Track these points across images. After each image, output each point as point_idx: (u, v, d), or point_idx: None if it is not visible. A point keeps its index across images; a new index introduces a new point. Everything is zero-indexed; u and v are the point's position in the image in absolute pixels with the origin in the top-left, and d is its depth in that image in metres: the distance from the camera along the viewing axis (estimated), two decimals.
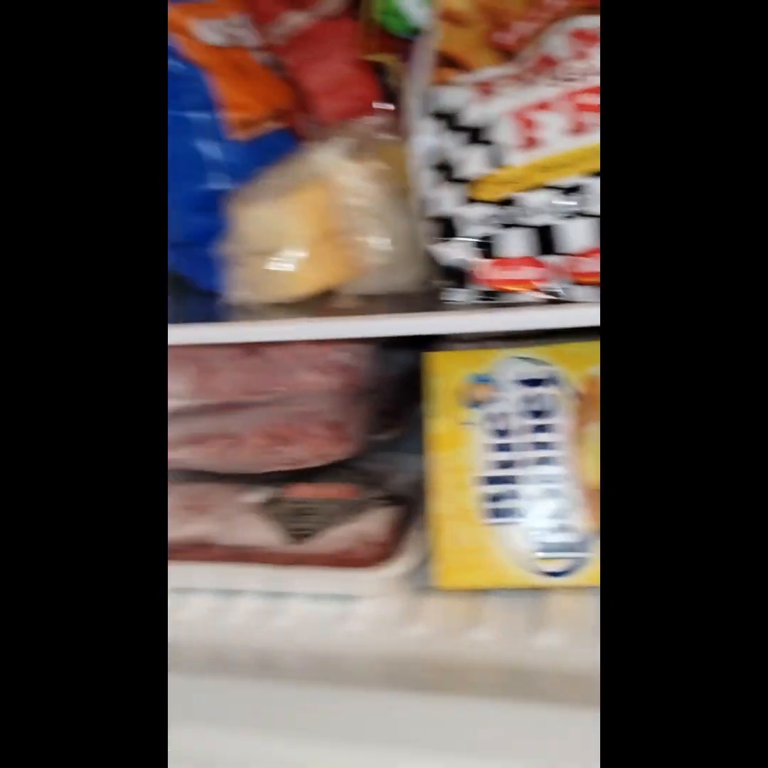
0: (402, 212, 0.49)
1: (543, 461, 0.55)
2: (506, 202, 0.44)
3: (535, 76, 0.45)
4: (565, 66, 0.44)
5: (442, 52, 0.49)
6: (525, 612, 0.53)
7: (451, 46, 0.49)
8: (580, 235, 0.43)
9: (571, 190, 0.43)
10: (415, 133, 0.47)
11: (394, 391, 0.67)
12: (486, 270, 0.45)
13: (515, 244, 0.44)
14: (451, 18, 0.49)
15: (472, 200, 0.45)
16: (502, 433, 0.55)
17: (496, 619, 0.52)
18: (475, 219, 0.45)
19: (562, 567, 0.54)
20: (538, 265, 0.45)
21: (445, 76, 0.48)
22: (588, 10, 0.45)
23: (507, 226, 0.44)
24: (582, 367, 0.56)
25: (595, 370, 0.55)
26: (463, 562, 0.55)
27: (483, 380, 0.56)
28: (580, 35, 0.45)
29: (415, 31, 0.54)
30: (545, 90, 0.44)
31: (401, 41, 0.56)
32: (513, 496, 0.55)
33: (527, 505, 0.55)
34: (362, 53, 0.58)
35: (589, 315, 0.43)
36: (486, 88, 0.46)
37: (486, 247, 0.45)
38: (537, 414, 0.56)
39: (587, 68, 0.43)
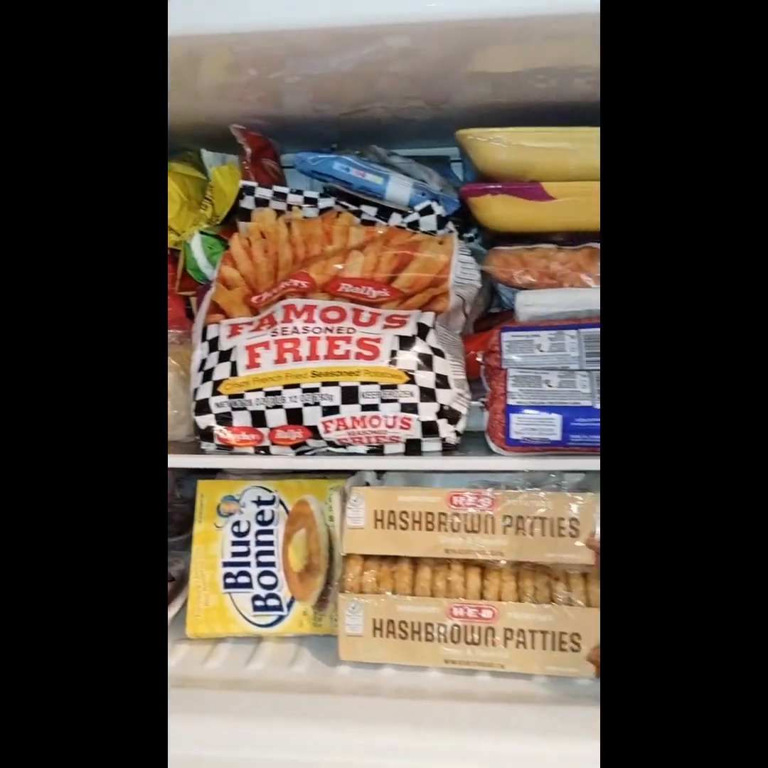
0: (184, 392, 0.78)
1: (264, 553, 0.80)
2: (235, 396, 0.71)
3: (262, 326, 0.73)
4: (279, 324, 0.72)
5: (214, 302, 0.78)
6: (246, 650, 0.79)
7: (221, 300, 0.78)
8: (277, 417, 0.70)
9: (272, 394, 0.70)
10: (195, 348, 0.76)
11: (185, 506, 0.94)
12: (222, 433, 0.72)
13: (240, 419, 0.72)
14: (224, 281, 0.79)
15: (216, 393, 0.71)
16: (241, 534, 0.81)
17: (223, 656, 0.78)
18: (217, 404, 0.71)
19: (270, 621, 0.79)
20: (253, 432, 0.72)
21: (215, 318, 0.77)
22: (298, 294, 0.74)
23: (235, 409, 0.71)
24: (295, 494, 0.82)
25: (303, 497, 0.81)
26: (206, 618, 0.80)
27: (232, 499, 0.82)
28: (291, 308, 0.72)
29: (207, 282, 0.84)
30: (265, 335, 0.71)
31: (200, 285, 0.85)
32: (243, 574, 0.80)
33: (251, 580, 0.80)
34: (177, 289, 0.88)
35: (288, 462, 0.74)
36: (235, 329, 0.74)
37: (223, 420, 0.72)
38: (263, 523, 0.81)
39: (290, 327, 0.71)
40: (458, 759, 0.63)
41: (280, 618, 0.79)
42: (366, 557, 0.74)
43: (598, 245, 0.77)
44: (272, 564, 0.79)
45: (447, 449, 0.71)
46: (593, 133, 0.73)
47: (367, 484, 0.78)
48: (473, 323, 0.87)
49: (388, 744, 0.64)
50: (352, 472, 0.79)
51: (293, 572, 0.79)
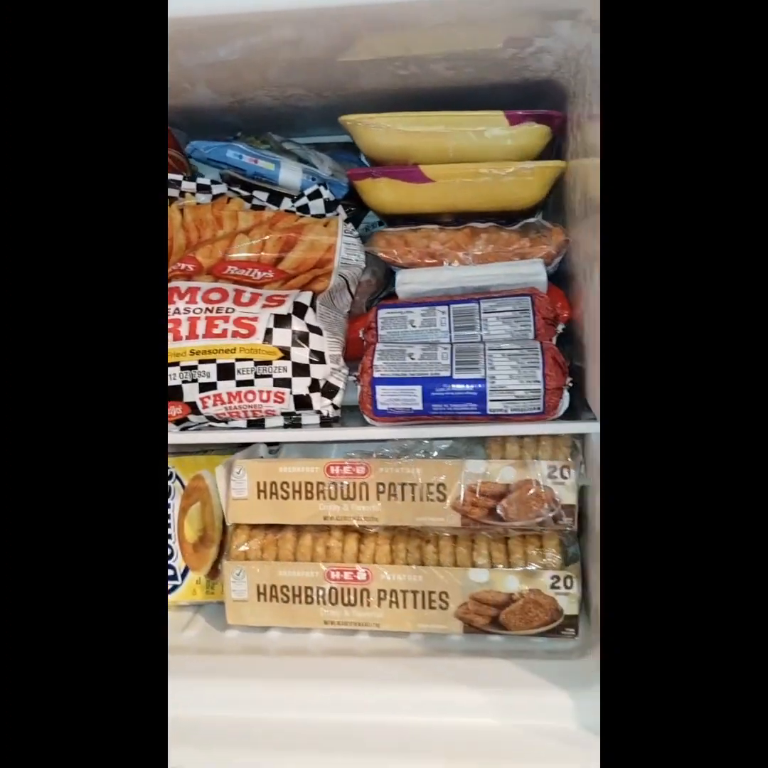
0: None
1: None
2: None
3: None
4: None
5: None
6: None
7: None
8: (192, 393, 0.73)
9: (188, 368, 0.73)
10: None
11: None
12: None
13: None
14: None
15: None
16: None
17: None
18: None
19: None
20: None
21: None
22: (184, 277, 0.77)
23: None
24: (191, 470, 0.83)
25: (199, 472, 0.82)
26: None
27: None
28: (175, 290, 0.75)
29: None
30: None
31: None
32: None
33: None
34: None
35: (171, 438, 0.76)
36: None
37: None
38: None
39: (173, 308, 0.74)
40: (336, 708, 0.67)
41: (175, 587, 0.82)
42: (253, 527, 0.77)
43: (478, 225, 0.80)
44: (168, 536, 0.83)
45: (326, 421, 0.75)
46: (466, 117, 0.77)
47: (262, 458, 0.81)
48: (370, 302, 0.90)
49: (272, 697, 0.68)
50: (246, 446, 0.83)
51: (188, 544, 0.82)
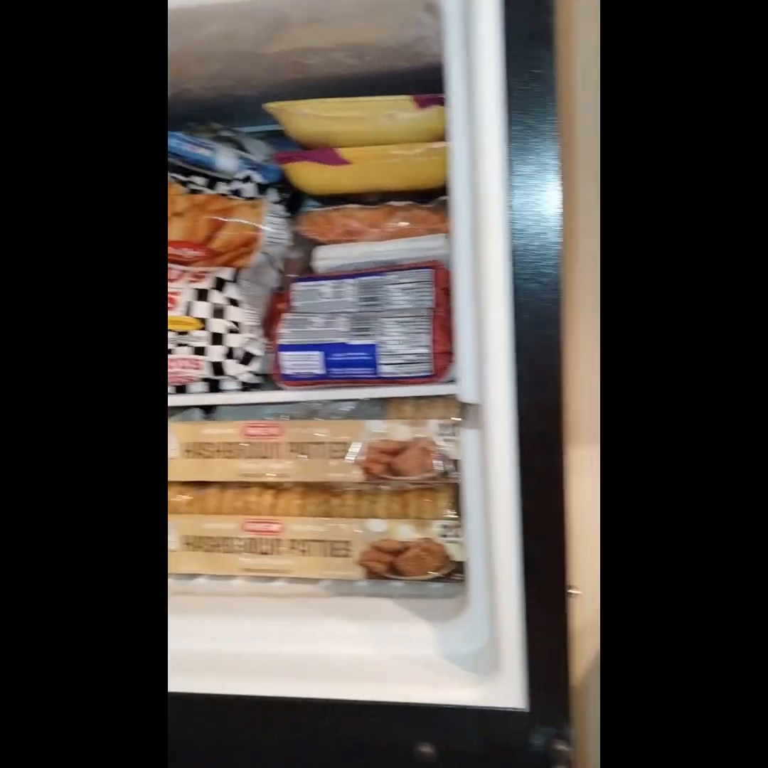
0: None
1: None
2: None
3: None
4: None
5: None
6: None
7: None
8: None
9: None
10: None
11: None
12: None
13: None
14: None
15: None
16: None
17: None
18: None
19: None
20: None
21: None
22: None
23: None
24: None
25: None
26: None
27: None
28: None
29: None
30: None
31: None
32: None
33: None
34: None
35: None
36: None
37: None
38: None
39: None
40: (254, 638, 0.73)
41: None
42: (184, 483, 0.85)
43: (396, 203, 0.86)
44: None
45: (247, 387, 0.82)
46: (377, 102, 0.82)
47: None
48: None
49: (198, 627, 0.75)
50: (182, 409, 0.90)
51: None
